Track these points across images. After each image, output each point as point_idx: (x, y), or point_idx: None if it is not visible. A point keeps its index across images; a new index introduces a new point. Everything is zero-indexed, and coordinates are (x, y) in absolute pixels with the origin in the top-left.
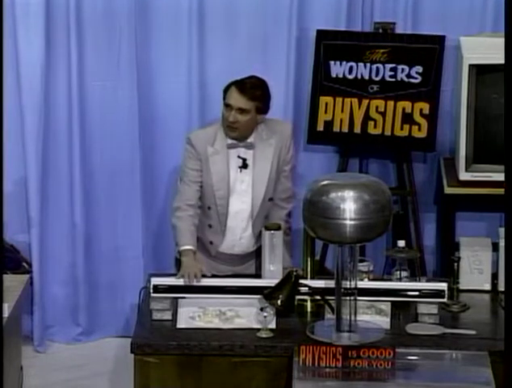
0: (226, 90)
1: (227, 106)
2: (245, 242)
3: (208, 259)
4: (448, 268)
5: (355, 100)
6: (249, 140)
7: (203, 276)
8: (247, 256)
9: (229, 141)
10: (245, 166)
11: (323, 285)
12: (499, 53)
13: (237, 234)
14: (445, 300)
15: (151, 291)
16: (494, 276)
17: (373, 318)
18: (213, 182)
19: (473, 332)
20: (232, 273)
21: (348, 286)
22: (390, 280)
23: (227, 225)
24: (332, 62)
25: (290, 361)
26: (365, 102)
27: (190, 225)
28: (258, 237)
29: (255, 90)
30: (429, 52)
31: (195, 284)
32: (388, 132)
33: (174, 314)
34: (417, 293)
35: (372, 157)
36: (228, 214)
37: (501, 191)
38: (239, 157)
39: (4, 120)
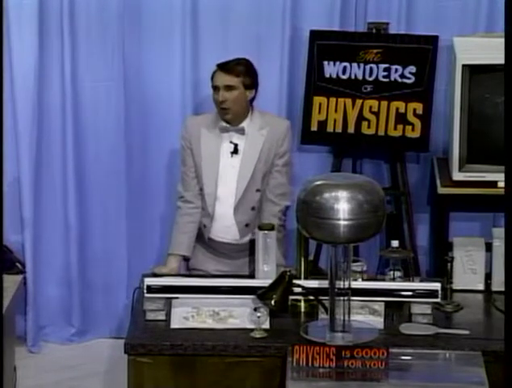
0: (212, 77)
1: (215, 89)
2: (234, 229)
3: (204, 249)
4: (442, 268)
5: (349, 100)
6: (241, 125)
7: (199, 275)
8: (240, 250)
9: (222, 124)
10: (236, 151)
11: (317, 285)
12: (492, 53)
13: (226, 221)
14: (438, 300)
15: (144, 291)
16: (488, 276)
17: (367, 318)
18: (202, 163)
19: (467, 332)
20: (227, 269)
21: (342, 286)
22: (383, 280)
23: (215, 210)
24: (325, 62)
25: (284, 361)
26: (359, 102)
27: (187, 223)
28: (243, 228)
29: (238, 66)
30: (422, 52)
31: (189, 284)
32: (381, 133)
33: (168, 315)
34: (410, 293)
35: (366, 157)
36: (216, 198)
37: (495, 191)
38: (231, 142)
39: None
